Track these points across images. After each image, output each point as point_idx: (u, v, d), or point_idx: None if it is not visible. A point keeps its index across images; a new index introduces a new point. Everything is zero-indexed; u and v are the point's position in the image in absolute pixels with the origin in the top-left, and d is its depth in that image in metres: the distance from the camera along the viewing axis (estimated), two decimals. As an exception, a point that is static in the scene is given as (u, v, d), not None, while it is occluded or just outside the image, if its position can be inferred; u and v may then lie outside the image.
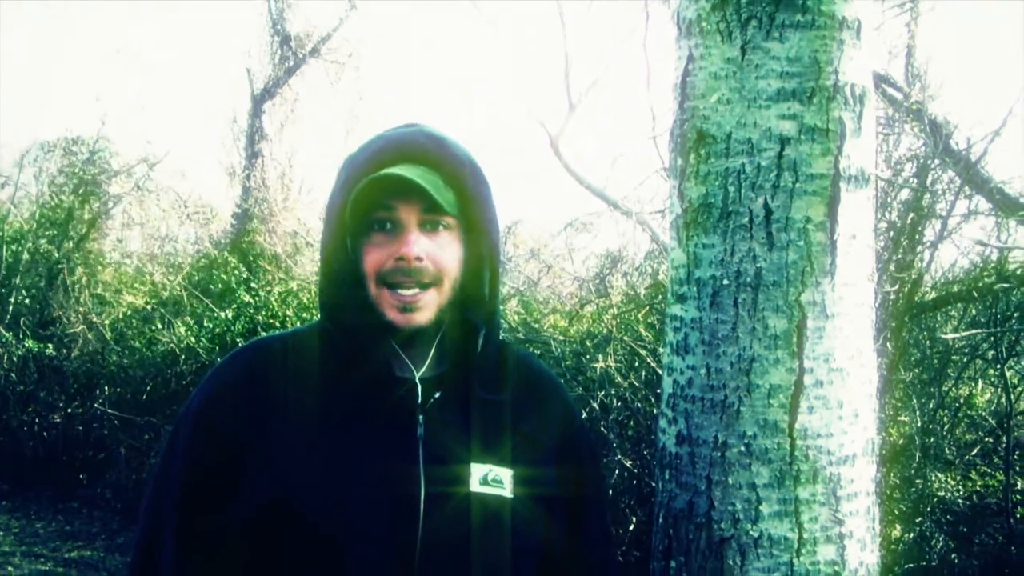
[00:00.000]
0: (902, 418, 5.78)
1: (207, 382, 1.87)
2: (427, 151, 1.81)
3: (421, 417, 1.78)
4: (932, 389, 5.98)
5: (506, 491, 1.80)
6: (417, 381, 1.80)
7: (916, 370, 6.02)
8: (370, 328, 1.79)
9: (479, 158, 1.87)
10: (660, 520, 2.10)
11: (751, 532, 1.96)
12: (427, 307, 1.78)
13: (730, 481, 1.97)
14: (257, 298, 7.95)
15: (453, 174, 1.80)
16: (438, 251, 1.78)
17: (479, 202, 1.83)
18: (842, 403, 1.98)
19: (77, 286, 9.41)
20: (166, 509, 1.79)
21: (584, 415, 5.92)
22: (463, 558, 1.74)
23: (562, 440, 1.93)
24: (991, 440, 5.99)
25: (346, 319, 1.81)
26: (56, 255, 9.47)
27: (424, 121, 1.90)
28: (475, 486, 1.77)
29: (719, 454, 1.98)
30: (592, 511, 1.98)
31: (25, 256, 9.40)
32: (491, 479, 1.79)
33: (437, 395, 1.81)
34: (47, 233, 9.65)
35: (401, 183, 1.73)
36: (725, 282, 1.98)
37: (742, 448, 1.96)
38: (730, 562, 1.96)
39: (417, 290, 1.76)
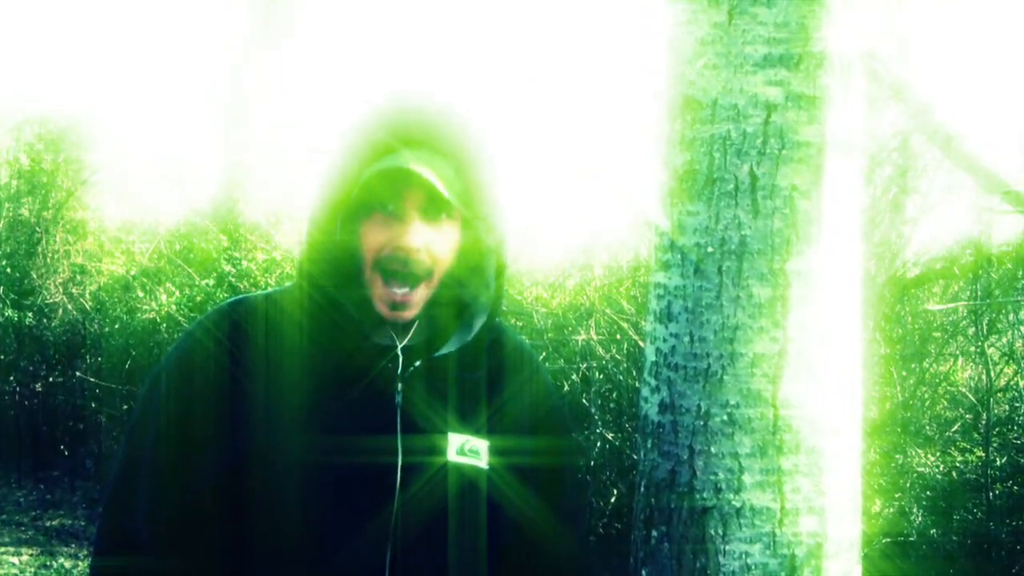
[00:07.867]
0: (882, 393, 5.79)
1: (188, 335, 1.84)
2: (433, 132, 1.72)
3: (400, 386, 1.76)
4: (912, 365, 6.00)
5: (482, 462, 1.79)
6: (399, 351, 1.77)
7: (897, 346, 6.03)
8: (356, 303, 1.75)
9: (487, 136, 1.79)
10: (642, 489, 2.09)
11: (733, 502, 1.95)
12: (417, 304, 1.74)
13: (713, 450, 1.96)
14: (239, 266, 7.89)
15: (460, 160, 1.73)
16: (437, 242, 1.72)
17: (486, 193, 1.76)
18: (827, 373, 1.97)
19: (57, 255, 9.34)
20: (142, 458, 1.77)
21: (565, 388, 5.92)
22: (440, 528, 1.73)
23: (538, 412, 1.92)
24: (971, 417, 6.01)
25: (332, 291, 1.76)
26: (35, 223, 9.39)
27: (422, 84, 1.82)
28: (452, 456, 1.76)
29: (702, 423, 1.96)
30: (568, 483, 1.97)
31: (2, 224, 9.32)
32: (468, 449, 1.78)
33: (417, 364, 1.78)
34: (25, 199, 9.56)
35: (408, 176, 1.66)
36: (709, 249, 1.96)
37: (725, 417, 1.95)
38: (712, 531, 1.95)
39: (407, 289, 1.71)
